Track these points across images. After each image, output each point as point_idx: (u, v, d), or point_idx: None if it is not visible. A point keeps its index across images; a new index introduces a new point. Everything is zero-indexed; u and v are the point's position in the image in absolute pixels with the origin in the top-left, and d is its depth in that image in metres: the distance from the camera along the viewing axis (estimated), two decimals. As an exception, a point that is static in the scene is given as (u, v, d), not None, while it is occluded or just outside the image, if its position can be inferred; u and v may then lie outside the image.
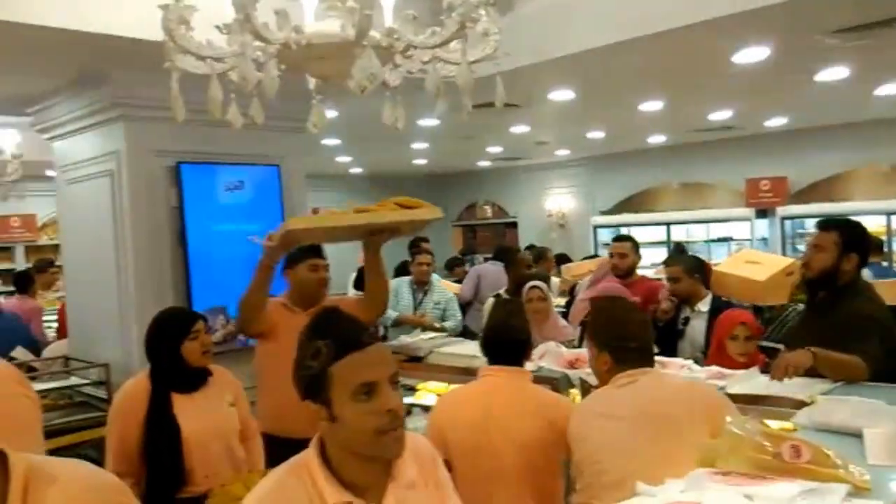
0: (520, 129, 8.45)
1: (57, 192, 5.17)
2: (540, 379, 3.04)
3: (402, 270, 6.76)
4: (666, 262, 4.75)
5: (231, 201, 4.55)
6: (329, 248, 3.51)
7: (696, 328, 4.05)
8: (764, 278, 3.95)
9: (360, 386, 1.42)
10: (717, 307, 3.97)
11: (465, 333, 5.47)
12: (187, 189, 4.36)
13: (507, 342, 2.67)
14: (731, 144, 10.15)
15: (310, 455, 1.50)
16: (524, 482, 2.49)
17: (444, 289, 6.11)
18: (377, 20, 2.19)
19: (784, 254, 9.14)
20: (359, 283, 6.24)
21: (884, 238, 8.68)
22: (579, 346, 4.02)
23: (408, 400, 3.68)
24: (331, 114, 6.07)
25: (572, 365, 3.27)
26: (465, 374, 3.27)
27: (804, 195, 10.18)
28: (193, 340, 2.82)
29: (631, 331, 2.41)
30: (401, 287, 5.82)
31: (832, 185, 10.05)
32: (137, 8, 3.30)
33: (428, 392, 3.92)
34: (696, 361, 3.37)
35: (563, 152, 11.68)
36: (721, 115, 8.22)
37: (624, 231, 8.87)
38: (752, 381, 2.82)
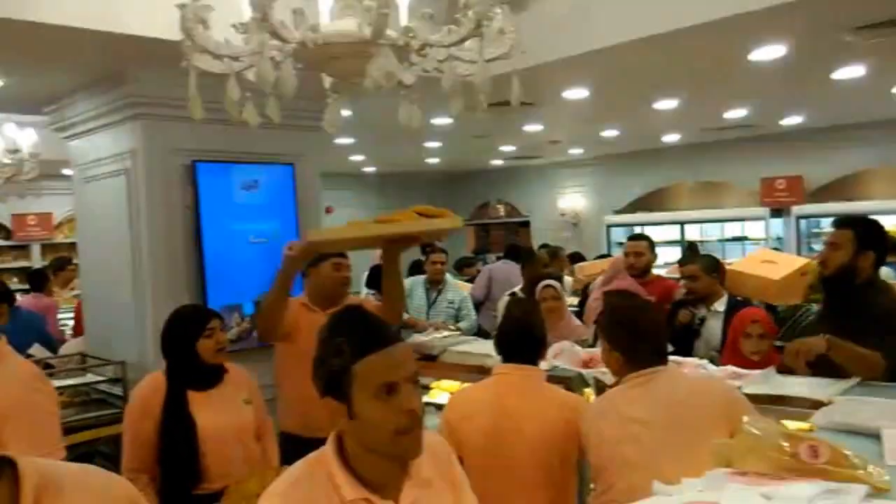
0: (533, 127, 8.43)
1: (73, 190, 5.21)
2: (554, 378, 3.04)
3: (415, 269, 6.76)
4: (683, 262, 4.73)
5: (246, 200, 4.57)
6: (344, 248, 3.51)
7: (712, 328, 4.03)
8: (779, 277, 3.94)
9: (381, 385, 1.42)
10: (733, 307, 3.96)
11: (478, 333, 5.46)
12: (203, 188, 4.39)
13: (522, 340, 2.67)
14: (747, 143, 10.08)
15: (328, 451, 1.50)
16: (537, 480, 2.49)
17: (458, 288, 6.11)
18: (393, 19, 2.19)
19: (799, 253, 9.08)
20: (371, 282, 6.24)
21: (901, 237, 8.60)
22: (593, 345, 4.01)
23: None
24: (345, 113, 6.05)
25: (587, 364, 3.27)
26: (479, 372, 3.27)
27: (820, 194, 10.11)
28: (208, 338, 2.84)
29: (643, 330, 2.39)
30: (415, 286, 5.82)
31: (848, 185, 9.96)
32: (155, 8, 3.33)
33: (442, 391, 3.93)
34: (712, 361, 3.35)
35: (576, 151, 11.64)
36: (737, 114, 8.17)
37: (637, 230, 8.85)
38: (769, 382, 2.81)
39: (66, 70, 4.27)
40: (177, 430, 2.75)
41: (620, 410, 2.31)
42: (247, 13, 2.14)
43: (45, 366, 4.66)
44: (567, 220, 12.90)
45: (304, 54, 2.25)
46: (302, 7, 2.20)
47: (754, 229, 10.80)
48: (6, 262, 10.41)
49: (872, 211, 8.09)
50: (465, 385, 3.22)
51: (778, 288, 3.97)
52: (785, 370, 2.95)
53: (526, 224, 13.88)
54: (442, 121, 7.26)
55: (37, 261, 10.44)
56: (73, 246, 8.22)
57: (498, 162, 12.78)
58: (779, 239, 10.40)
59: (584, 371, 3.21)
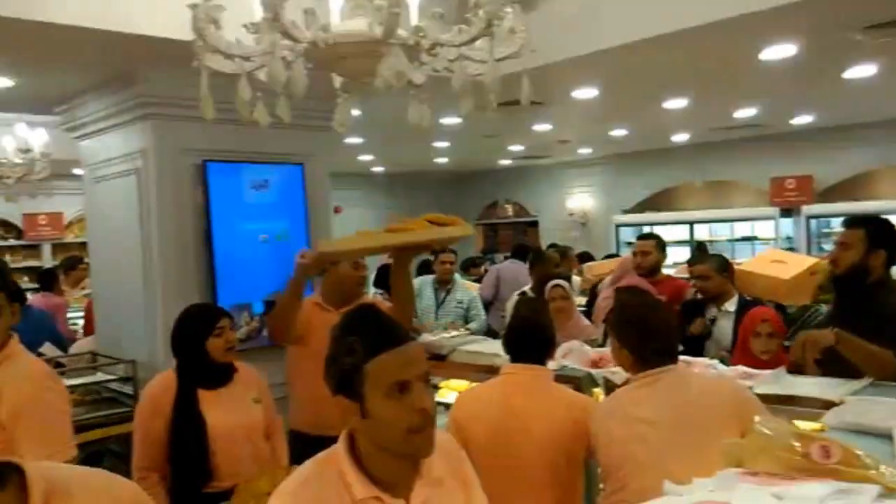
0: (542, 127, 8.43)
1: (84, 190, 5.24)
2: (563, 378, 3.04)
3: (424, 269, 6.77)
4: (694, 261, 4.72)
5: (256, 200, 4.58)
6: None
7: (723, 328, 4.02)
8: (789, 277, 3.93)
9: (393, 384, 1.42)
10: (744, 306, 3.95)
11: (487, 333, 5.46)
12: (213, 187, 4.40)
13: (530, 340, 2.66)
14: (756, 143, 10.05)
15: (339, 450, 1.51)
16: (544, 480, 2.48)
17: (467, 288, 6.11)
18: (403, 18, 2.19)
19: (809, 253, 9.04)
20: (378, 282, 6.25)
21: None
22: (602, 344, 4.00)
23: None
24: (354, 113, 6.08)
25: (596, 364, 3.26)
26: (489, 372, 3.26)
27: (830, 194, 10.06)
28: (218, 337, 2.85)
29: (652, 329, 2.36)
30: (423, 286, 5.82)
31: (859, 184, 9.92)
32: (165, 8, 3.35)
33: (451, 390, 3.92)
34: (722, 361, 3.34)
35: (585, 151, 11.63)
36: (746, 113, 8.14)
37: (646, 230, 8.81)
38: (780, 382, 2.80)
39: (76, 70, 4.29)
40: (187, 429, 2.77)
41: (627, 410, 2.30)
42: (258, 13, 2.14)
43: (56, 364, 4.68)
44: (575, 220, 12.88)
45: (314, 54, 2.25)
46: (313, 7, 2.21)
47: (764, 229, 10.77)
48: (17, 261, 10.46)
49: (883, 210, 8.04)
50: (474, 384, 3.22)
51: (788, 288, 3.96)
52: (795, 370, 2.94)
53: (534, 224, 13.87)
54: (451, 120, 7.27)
55: (47, 260, 10.49)
56: (83, 245, 8.26)
57: (506, 162, 12.77)
58: (788, 238, 10.37)
59: (593, 371, 3.20)
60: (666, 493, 1.63)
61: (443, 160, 11.86)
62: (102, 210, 4.94)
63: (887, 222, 3.06)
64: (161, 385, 2.86)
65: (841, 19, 4.22)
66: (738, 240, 11.01)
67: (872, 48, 4.86)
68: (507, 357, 2.74)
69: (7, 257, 9.94)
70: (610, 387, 2.98)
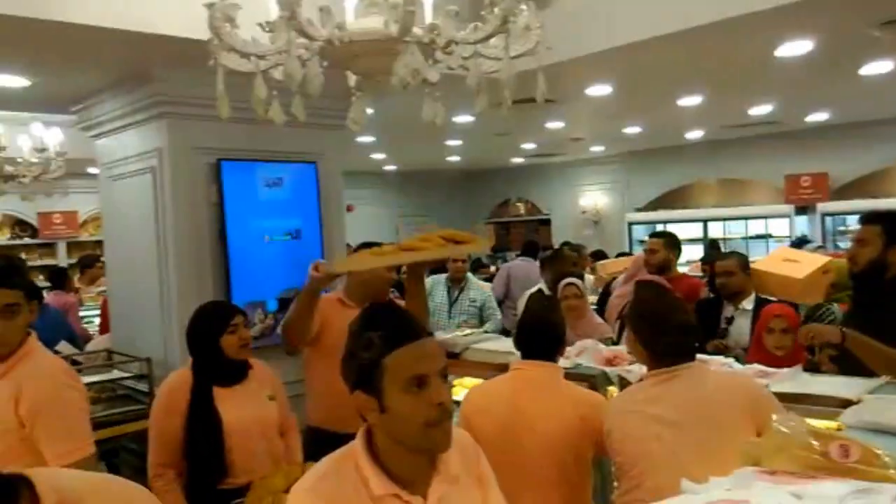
0: (555, 125, 8.41)
1: (100, 189, 5.27)
2: (578, 376, 3.03)
3: (436, 268, 6.76)
4: (716, 258, 4.70)
5: (270, 198, 4.60)
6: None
7: (741, 326, 4.00)
8: (803, 276, 3.90)
9: (411, 378, 1.43)
10: (761, 304, 3.93)
11: (500, 332, 5.45)
12: (227, 186, 4.42)
13: (540, 336, 2.65)
14: (771, 140, 9.99)
15: (357, 446, 1.51)
16: (551, 477, 2.47)
17: (480, 287, 6.09)
18: (418, 16, 2.20)
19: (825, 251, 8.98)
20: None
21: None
22: (617, 342, 3.99)
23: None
24: (367, 111, 6.09)
25: (610, 362, 3.25)
26: (502, 370, 3.26)
27: (845, 192, 9.99)
28: (232, 334, 2.86)
29: (666, 325, 2.33)
30: (436, 285, 5.81)
31: (874, 181, 9.84)
32: (182, 7, 3.36)
33: (464, 388, 3.92)
34: (738, 359, 3.32)
35: (597, 148, 11.59)
36: (761, 110, 8.09)
37: (660, 228, 8.78)
38: (796, 380, 2.78)
39: (92, 69, 4.31)
40: (203, 426, 2.78)
41: (642, 408, 2.28)
42: (274, 12, 2.15)
43: (73, 362, 4.71)
44: (588, 218, 12.85)
45: (330, 52, 2.26)
46: (328, 5, 2.21)
47: (779, 227, 10.70)
48: (32, 259, 10.54)
49: (900, 208, 7.97)
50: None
51: (802, 286, 3.93)
52: (812, 368, 2.92)
53: (547, 222, 13.84)
54: (464, 118, 7.26)
55: (62, 259, 10.58)
56: (98, 244, 8.32)
57: (518, 160, 12.75)
58: (804, 236, 10.30)
59: (608, 369, 3.19)
60: (684, 491, 1.62)
61: (455, 158, 11.86)
62: (118, 208, 4.97)
63: None
64: (176, 382, 2.87)
65: (857, 15, 4.19)
66: (752, 237, 10.94)
67: (889, 44, 4.81)
68: (520, 355, 2.74)
69: (22, 255, 10.02)
70: (625, 385, 2.97)
